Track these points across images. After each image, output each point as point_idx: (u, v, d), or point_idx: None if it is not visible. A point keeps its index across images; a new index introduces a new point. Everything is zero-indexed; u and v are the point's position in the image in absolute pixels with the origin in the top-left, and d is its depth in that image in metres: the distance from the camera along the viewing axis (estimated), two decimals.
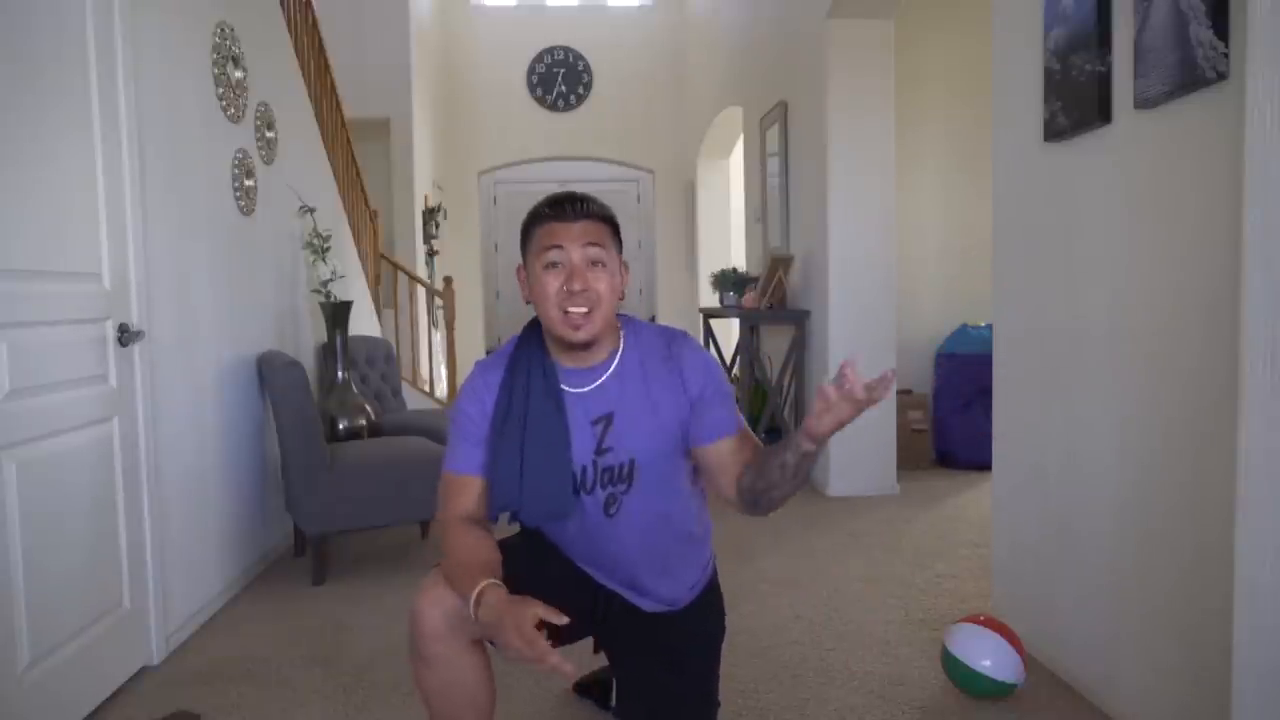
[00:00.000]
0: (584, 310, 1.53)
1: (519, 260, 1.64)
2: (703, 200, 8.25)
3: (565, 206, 1.56)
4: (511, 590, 1.42)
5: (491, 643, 1.50)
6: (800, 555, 3.41)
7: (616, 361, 1.62)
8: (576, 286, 1.53)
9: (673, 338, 1.67)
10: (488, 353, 10.83)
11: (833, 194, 4.31)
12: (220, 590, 3.00)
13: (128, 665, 2.40)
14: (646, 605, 1.74)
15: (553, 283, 1.54)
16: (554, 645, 1.32)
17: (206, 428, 2.97)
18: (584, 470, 1.62)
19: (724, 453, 1.59)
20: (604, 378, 1.61)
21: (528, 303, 1.61)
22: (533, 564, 1.68)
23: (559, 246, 1.54)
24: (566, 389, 1.62)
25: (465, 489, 1.62)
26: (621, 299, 1.61)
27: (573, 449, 1.60)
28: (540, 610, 1.33)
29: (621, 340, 1.64)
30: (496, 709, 1.66)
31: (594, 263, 1.54)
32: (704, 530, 1.81)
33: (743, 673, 2.35)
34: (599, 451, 1.61)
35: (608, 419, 1.61)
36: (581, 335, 1.55)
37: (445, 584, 1.53)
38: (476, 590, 1.42)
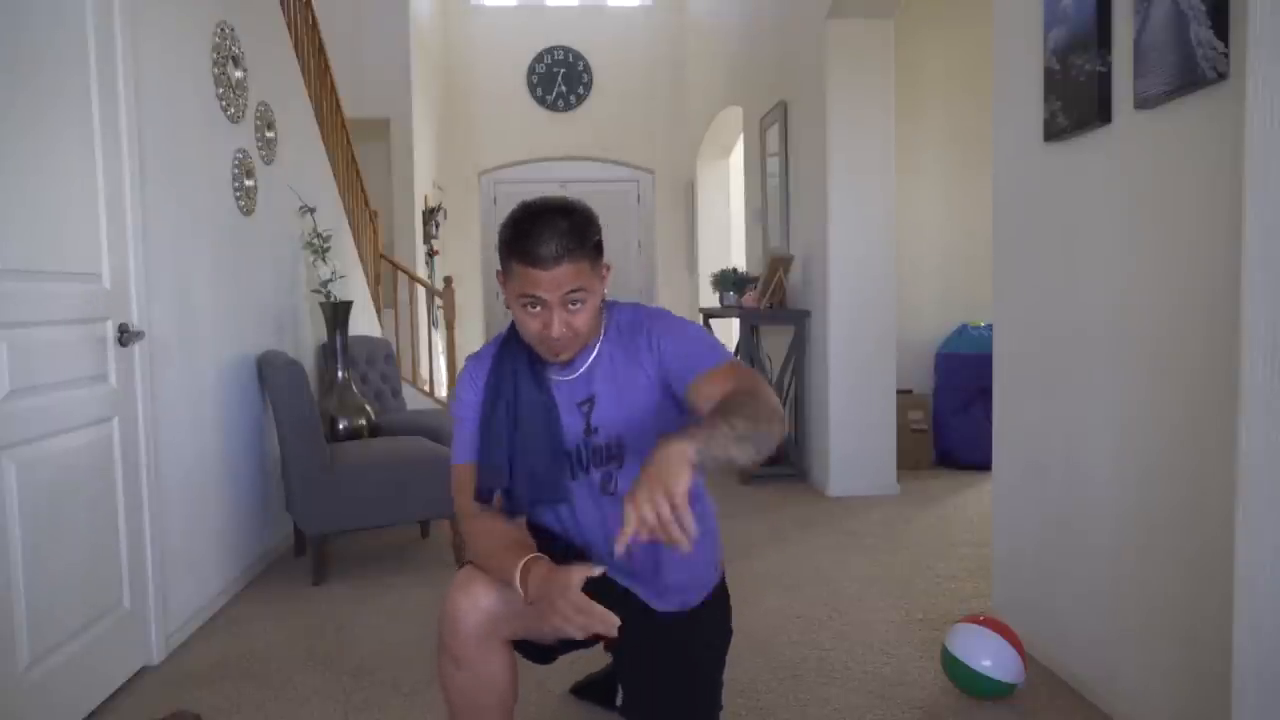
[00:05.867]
0: (565, 342, 1.52)
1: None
2: (703, 200, 8.25)
3: (542, 252, 1.43)
4: None
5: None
6: (800, 555, 3.41)
7: (597, 350, 1.62)
8: (556, 334, 1.49)
9: (649, 313, 1.64)
10: None
11: (833, 194, 4.31)
12: (220, 590, 3.00)
13: (128, 665, 2.40)
14: (660, 605, 1.74)
15: (531, 322, 1.51)
16: (568, 650, 1.29)
17: (206, 428, 2.97)
18: (578, 451, 1.63)
19: (700, 388, 1.50)
20: (586, 364, 1.62)
21: (508, 308, 1.58)
22: (553, 561, 1.68)
23: (536, 295, 1.47)
24: (551, 377, 1.63)
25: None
26: (603, 300, 1.59)
27: (564, 432, 1.61)
28: (578, 572, 1.34)
29: (602, 329, 1.63)
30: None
31: (574, 303, 1.50)
32: (704, 509, 1.75)
33: (743, 673, 2.35)
34: (588, 431, 1.63)
35: (591, 400, 1.62)
36: (563, 358, 1.56)
37: (479, 581, 1.53)
38: (521, 565, 1.43)
